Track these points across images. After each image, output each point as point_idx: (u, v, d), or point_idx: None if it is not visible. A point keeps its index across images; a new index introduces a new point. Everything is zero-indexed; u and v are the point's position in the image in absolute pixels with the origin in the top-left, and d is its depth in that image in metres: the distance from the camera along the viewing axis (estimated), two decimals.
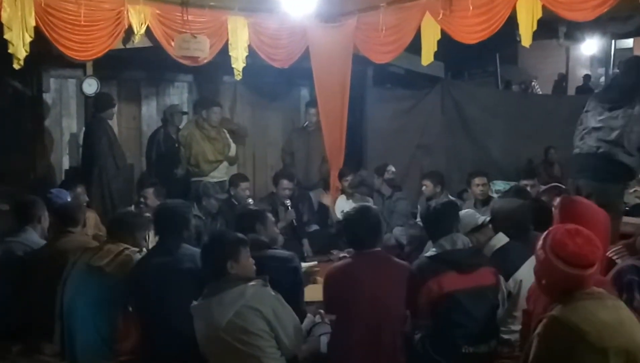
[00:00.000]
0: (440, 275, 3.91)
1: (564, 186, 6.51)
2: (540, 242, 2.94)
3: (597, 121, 5.60)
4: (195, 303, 3.67)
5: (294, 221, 7.15)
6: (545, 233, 2.97)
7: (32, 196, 5.35)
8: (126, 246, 4.45)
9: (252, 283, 3.61)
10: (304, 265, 5.57)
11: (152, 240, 6.21)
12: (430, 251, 4.10)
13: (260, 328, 3.52)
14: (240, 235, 3.92)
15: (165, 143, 8.47)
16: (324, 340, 4.00)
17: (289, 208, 7.18)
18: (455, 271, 3.93)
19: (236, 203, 6.98)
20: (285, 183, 7.32)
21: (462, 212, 4.75)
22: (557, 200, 3.82)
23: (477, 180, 7.00)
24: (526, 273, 4.23)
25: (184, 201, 5.15)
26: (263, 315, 3.53)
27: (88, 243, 4.77)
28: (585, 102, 5.88)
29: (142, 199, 6.51)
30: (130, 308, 4.28)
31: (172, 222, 4.36)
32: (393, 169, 8.07)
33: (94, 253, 4.43)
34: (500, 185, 7.59)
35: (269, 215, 4.96)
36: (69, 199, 5.98)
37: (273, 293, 3.66)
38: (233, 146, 8.22)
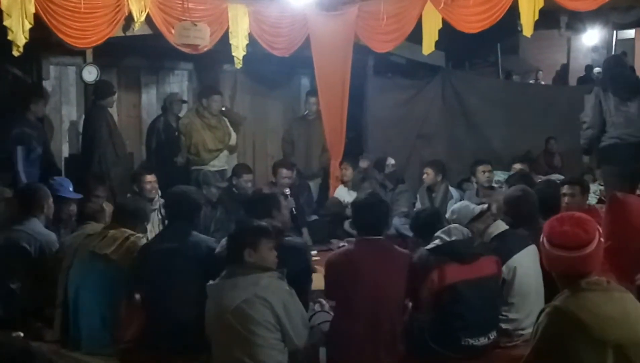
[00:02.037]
0: (442, 266, 3.95)
1: (562, 176, 6.54)
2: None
3: (616, 113, 6.32)
4: (211, 282, 3.71)
5: (293, 209, 7.14)
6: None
7: (36, 185, 5.34)
8: (130, 232, 4.45)
9: (268, 274, 3.65)
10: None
11: (153, 227, 6.25)
12: (432, 243, 4.12)
13: (267, 319, 3.54)
14: (264, 225, 3.93)
15: (165, 131, 8.45)
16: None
17: (288, 196, 7.17)
18: (457, 262, 3.96)
19: (237, 192, 6.98)
20: (284, 171, 7.30)
21: (457, 205, 4.79)
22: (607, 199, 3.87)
23: (481, 168, 7.17)
24: (522, 260, 4.26)
25: (195, 188, 5.20)
26: (272, 307, 3.54)
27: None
28: (586, 93, 6.01)
29: (135, 189, 6.50)
30: (137, 296, 4.29)
31: (182, 208, 4.43)
32: (392, 161, 8.07)
33: (98, 240, 4.42)
34: (500, 175, 7.58)
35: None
36: (70, 189, 5.98)
37: (287, 287, 3.68)
38: (234, 134, 8.20)
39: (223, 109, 8.14)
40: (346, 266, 4.04)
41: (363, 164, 8.23)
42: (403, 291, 4.07)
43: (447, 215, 4.77)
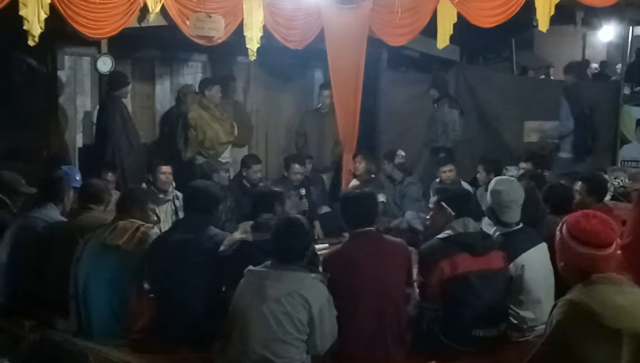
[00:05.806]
0: (453, 256, 3.97)
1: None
2: (559, 225, 2.97)
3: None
4: (252, 267, 3.71)
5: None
6: (565, 217, 3.01)
7: (59, 173, 5.33)
8: (140, 222, 4.44)
9: (312, 275, 3.69)
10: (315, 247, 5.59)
11: (166, 218, 6.26)
12: (443, 233, 4.13)
13: (301, 319, 3.56)
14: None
15: (178, 122, 8.44)
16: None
17: (303, 197, 7.16)
18: (468, 253, 3.98)
19: (248, 184, 6.98)
20: (296, 167, 7.30)
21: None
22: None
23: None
24: (532, 258, 4.24)
25: (214, 183, 5.25)
26: (310, 308, 3.56)
27: (105, 221, 4.66)
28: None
29: (150, 178, 6.52)
30: (146, 285, 4.27)
31: (201, 202, 4.45)
32: (402, 153, 8.05)
33: (108, 232, 4.38)
34: (512, 171, 7.55)
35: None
36: (77, 178, 5.99)
37: (327, 293, 3.71)
38: (235, 124, 8.19)
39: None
40: (343, 263, 4.04)
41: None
42: (404, 280, 4.10)
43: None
